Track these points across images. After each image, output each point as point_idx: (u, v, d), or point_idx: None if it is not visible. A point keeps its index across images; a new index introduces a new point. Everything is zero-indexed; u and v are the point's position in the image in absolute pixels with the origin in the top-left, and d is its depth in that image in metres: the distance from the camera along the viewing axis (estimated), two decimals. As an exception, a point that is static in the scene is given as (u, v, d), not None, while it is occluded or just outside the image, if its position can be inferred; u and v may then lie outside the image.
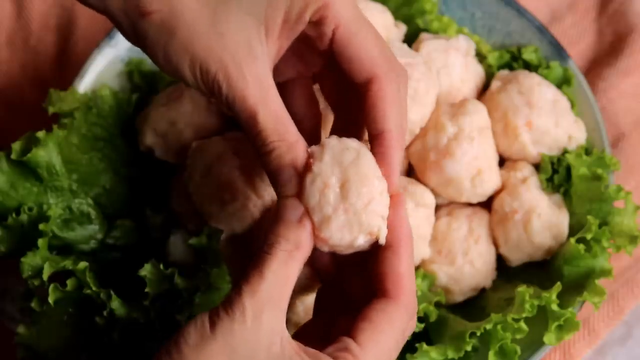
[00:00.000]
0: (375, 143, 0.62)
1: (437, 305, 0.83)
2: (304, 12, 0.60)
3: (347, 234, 0.60)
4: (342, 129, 0.67)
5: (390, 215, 0.61)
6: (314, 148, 0.61)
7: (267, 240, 0.59)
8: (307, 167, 0.60)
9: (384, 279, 0.60)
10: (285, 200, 0.60)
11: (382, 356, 0.59)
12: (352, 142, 0.61)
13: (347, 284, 0.66)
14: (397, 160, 0.62)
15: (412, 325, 0.62)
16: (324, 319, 0.65)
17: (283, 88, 0.69)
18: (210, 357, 0.55)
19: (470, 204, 0.87)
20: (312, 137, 0.65)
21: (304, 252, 0.59)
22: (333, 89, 0.69)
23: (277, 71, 0.66)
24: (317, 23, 0.62)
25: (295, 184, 0.60)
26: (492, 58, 0.93)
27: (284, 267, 0.58)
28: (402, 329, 0.60)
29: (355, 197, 0.59)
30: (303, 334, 0.64)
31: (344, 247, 0.60)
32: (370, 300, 0.60)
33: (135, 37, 0.61)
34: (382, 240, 0.60)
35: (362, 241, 0.60)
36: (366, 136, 0.66)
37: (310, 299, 0.80)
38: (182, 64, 0.59)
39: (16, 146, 0.80)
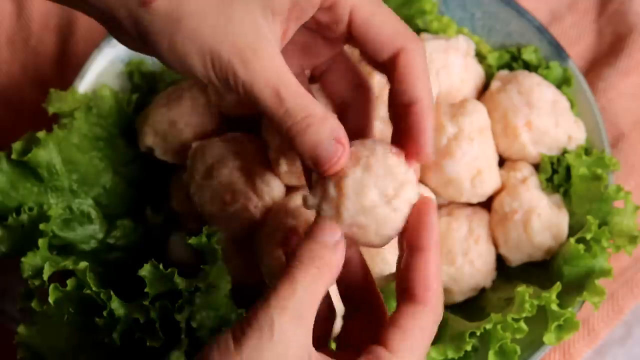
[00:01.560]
0: (408, 112, 0.61)
1: (437, 305, 0.83)
2: None
3: (396, 220, 0.60)
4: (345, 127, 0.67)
5: (419, 220, 0.60)
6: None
7: (300, 256, 0.57)
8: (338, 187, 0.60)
9: (413, 284, 0.59)
10: (323, 222, 0.59)
11: None
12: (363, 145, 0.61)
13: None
14: (430, 127, 0.61)
15: (436, 329, 0.61)
16: (351, 338, 0.64)
17: None
18: None
19: (470, 204, 0.87)
20: None
21: (334, 274, 0.58)
22: (337, 84, 0.68)
23: None
24: (331, 8, 0.60)
25: (344, 158, 0.59)
26: (492, 58, 0.93)
27: (314, 284, 0.56)
28: (431, 333, 0.59)
29: (389, 186, 0.60)
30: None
31: (397, 231, 0.61)
32: (397, 306, 0.59)
33: (136, 31, 0.58)
34: (416, 197, 0.61)
35: (407, 210, 0.61)
36: (373, 129, 0.66)
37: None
38: (190, 55, 0.57)
39: (16, 146, 0.80)
